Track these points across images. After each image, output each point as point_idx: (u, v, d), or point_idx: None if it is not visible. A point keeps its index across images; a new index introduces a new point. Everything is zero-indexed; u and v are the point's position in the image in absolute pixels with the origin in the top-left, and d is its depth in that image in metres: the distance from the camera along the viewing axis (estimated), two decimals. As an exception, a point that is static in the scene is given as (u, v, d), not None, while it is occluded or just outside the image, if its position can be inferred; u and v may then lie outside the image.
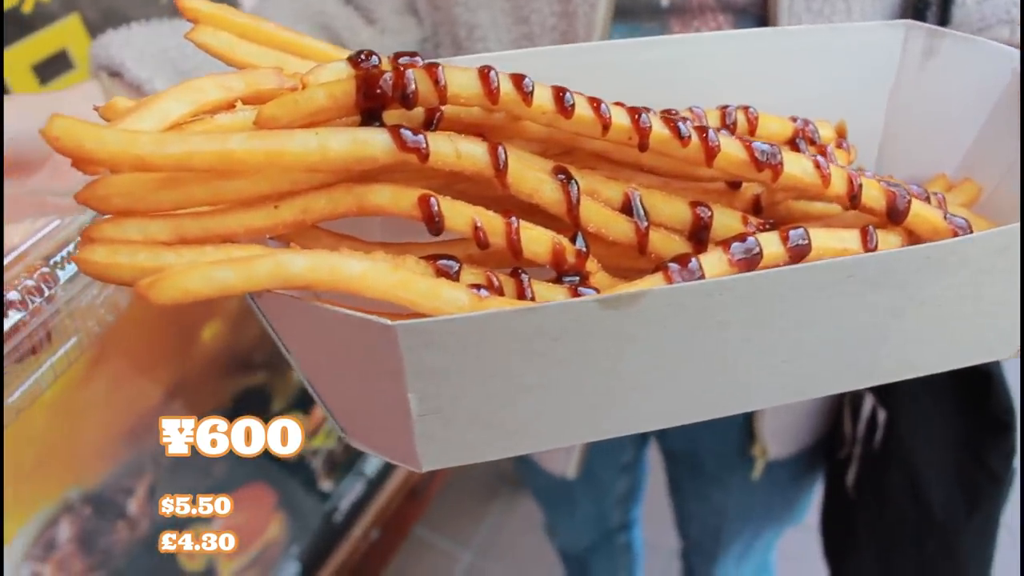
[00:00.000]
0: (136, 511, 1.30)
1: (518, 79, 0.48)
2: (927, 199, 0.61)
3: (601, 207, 0.50)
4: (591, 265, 0.50)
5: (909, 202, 0.55)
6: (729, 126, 0.58)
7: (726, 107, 0.59)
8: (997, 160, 0.67)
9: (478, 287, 0.45)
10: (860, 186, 0.54)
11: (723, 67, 0.66)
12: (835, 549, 1.16)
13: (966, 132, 0.68)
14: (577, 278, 0.50)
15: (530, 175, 0.48)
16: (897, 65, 0.68)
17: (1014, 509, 1.56)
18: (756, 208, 0.59)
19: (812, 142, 0.61)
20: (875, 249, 0.54)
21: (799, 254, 0.50)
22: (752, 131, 0.59)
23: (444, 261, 0.47)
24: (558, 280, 0.50)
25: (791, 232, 0.50)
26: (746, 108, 0.59)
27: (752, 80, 0.66)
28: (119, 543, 1.28)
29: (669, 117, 0.51)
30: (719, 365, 0.47)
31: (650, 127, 0.50)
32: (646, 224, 0.51)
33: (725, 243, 0.48)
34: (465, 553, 2.17)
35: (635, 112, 0.50)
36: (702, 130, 0.51)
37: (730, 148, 0.51)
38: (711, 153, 0.51)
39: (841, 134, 0.69)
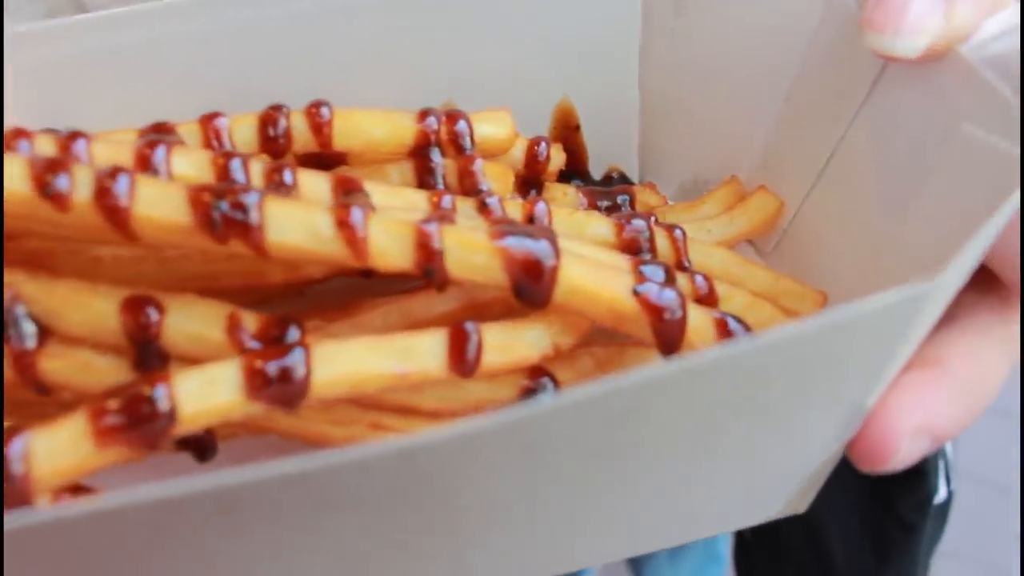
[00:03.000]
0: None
1: None
2: (647, 243, 0.35)
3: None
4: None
5: (553, 270, 0.29)
6: (275, 139, 0.33)
7: (275, 109, 0.33)
8: (807, 151, 0.40)
9: None
10: (439, 252, 0.28)
11: (375, 35, 0.39)
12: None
13: (763, 110, 0.41)
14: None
15: None
16: (641, 10, 0.41)
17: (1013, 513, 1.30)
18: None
19: (460, 149, 0.36)
20: (472, 367, 0.29)
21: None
22: (325, 143, 0.34)
23: None
24: None
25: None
26: (317, 106, 0.34)
27: (417, 55, 0.40)
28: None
29: (55, 160, 0.27)
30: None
31: (-20, 183, 0.25)
32: (32, 347, 0.28)
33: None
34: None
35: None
36: (110, 175, 0.26)
37: (157, 209, 0.26)
38: (119, 219, 0.26)
39: (567, 124, 0.43)
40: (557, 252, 0.30)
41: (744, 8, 0.39)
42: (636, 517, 0.30)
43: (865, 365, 0.26)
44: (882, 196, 0.36)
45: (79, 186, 0.26)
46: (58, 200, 0.26)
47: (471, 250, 0.29)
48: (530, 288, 0.29)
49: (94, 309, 0.28)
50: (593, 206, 0.40)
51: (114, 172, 0.26)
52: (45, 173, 0.26)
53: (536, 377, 0.32)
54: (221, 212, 0.26)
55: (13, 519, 0.20)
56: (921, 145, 0.34)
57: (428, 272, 0.29)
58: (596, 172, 0.45)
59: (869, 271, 0.37)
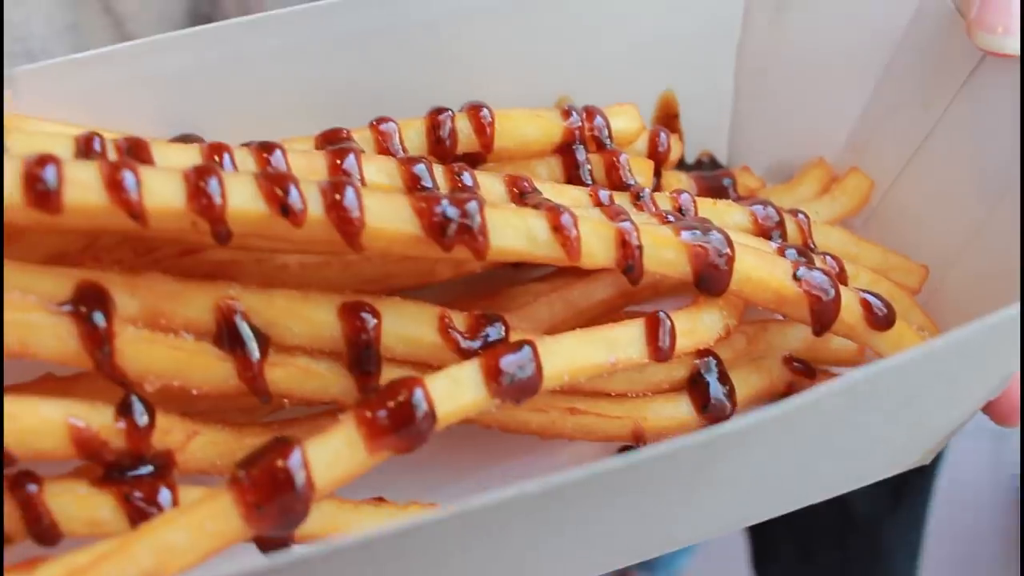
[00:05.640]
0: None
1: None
2: (778, 227, 0.37)
3: (160, 344, 0.27)
4: (170, 438, 0.28)
5: (730, 260, 0.31)
6: (442, 142, 0.34)
7: (439, 112, 0.34)
8: (897, 136, 0.43)
9: None
10: (638, 249, 0.30)
11: (501, 34, 0.40)
12: (755, 545, 0.97)
13: (851, 98, 0.43)
14: (150, 468, 0.28)
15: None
16: (743, 6, 0.42)
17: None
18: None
19: (600, 145, 0.37)
20: (668, 352, 0.31)
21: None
22: (487, 144, 0.35)
23: None
24: (108, 479, 0.27)
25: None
26: (477, 109, 0.35)
27: (538, 51, 0.41)
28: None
29: (278, 175, 0.27)
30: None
31: (223, 204, 0.26)
32: (258, 358, 0.28)
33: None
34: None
35: (202, 175, 0.26)
36: (335, 189, 0.27)
37: (387, 220, 0.27)
38: (351, 231, 0.27)
39: (668, 113, 0.44)
40: (731, 244, 0.32)
41: (840, 5, 0.41)
42: (811, 475, 0.33)
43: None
44: (978, 178, 0.39)
45: (310, 201, 0.27)
46: (294, 216, 0.26)
47: (663, 246, 0.31)
48: (712, 278, 0.31)
49: (313, 318, 0.29)
50: (704, 189, 0.42)
51: (339, 185, 0.27)
52: (274, 187, 0.26)
53: (702, 357, 0.34)
54: (449, 219, 0.27)
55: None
56: (1020, 130, 0.37)
57: (628, 268, 0.30)
58: (688, 156, 0.47)
59: (964, 249, 0.40)
